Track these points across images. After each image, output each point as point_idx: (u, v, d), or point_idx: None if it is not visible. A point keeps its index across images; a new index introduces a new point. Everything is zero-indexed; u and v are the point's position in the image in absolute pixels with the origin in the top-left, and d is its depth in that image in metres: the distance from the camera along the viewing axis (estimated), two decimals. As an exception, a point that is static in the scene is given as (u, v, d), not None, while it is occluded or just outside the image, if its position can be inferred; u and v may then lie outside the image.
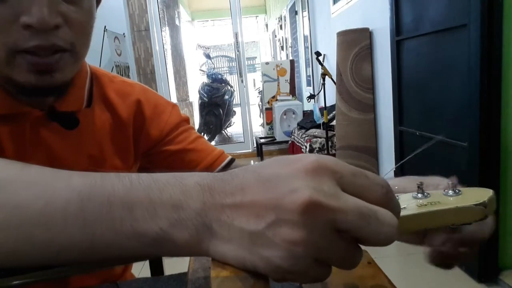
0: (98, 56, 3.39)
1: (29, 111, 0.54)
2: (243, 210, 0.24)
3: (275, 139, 4.64)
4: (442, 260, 0.39)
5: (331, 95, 3.40)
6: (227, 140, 6.03)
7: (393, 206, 0.26)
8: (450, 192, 0.34)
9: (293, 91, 4.98)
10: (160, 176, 0.27)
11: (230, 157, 0.71)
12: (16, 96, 0.53)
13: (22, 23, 0.44)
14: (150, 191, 0.26)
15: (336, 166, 0.24)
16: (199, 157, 0.68)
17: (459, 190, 0.34)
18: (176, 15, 6.37)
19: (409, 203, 0.33)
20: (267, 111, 4.99)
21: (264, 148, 4.68)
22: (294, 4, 5.58)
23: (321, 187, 0.23)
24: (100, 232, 0.26)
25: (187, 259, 0.41)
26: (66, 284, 0.59)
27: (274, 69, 4.96)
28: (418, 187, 0.35)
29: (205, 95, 5.62)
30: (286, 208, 0.23)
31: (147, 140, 0.67)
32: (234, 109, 6.18)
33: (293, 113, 4.56)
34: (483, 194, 0.32)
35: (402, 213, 0.31)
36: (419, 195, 0.34)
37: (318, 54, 3.39)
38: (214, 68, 6.64)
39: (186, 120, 0.71)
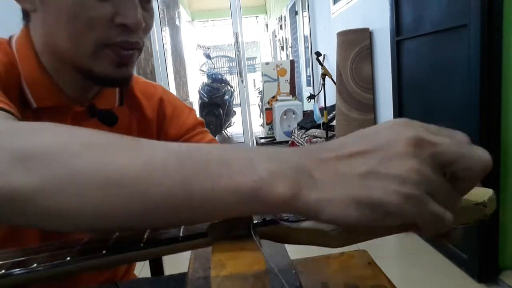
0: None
1: (72, 105, 0.57)
2: (347, 159, 0.26)
3: (275, 139, 4.64)
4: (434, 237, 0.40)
5: (331, 95, 3.40)
6: (227, 140, 6.03)
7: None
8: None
9: (293, 91, 4.98)
10: (254, 147, 0.29)
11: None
12: (68, 88, 0.56)
13: (118, 22, 0.50)
14: (246, 150, 0.27)
15: (422, 123, 0.27)
16: None
17: None
18: (176, 15, 6.38)
19: None
20: (267, 111, 4.99)
21: (264, 148, 4.67)
22: (294, 4, 5.58)
23: (419, 129, 0.26)
24: (198, 186, 0.26)
25: (187, 258, 0.41)
26: (66, 284, 0.59)
27: (274, 69, 4.97)
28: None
29: (205, 95, 5.63)
30: (394, 145, 0.25)
31: (166, 139, 0.69)
32: (234, 109, 6.18)
33: (293, 113, 4.57)
34: (483, 194, 0.32)
35: None
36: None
37: (318, 54, 3.39)
38: (214, 68, 6.64)
39: (202, 124, 0.73)
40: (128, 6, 0.50)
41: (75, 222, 0.27)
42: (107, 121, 0.60)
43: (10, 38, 0.56)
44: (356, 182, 0.25)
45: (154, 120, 0.68)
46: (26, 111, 0.53)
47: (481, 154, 0.26)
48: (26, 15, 0.54)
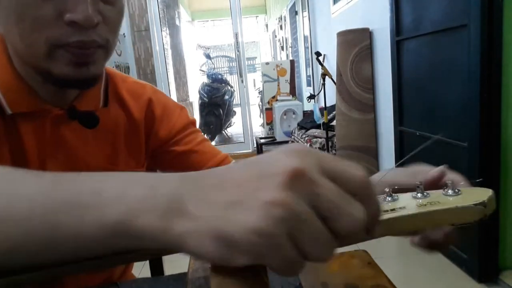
0: (98, 56, 3.39)
1: (50, 109, 0.55)
2: (223, 186, 0.24)
3: (275, 139, 4.64)
4: (428, 245, 0.40)
5: (331, 95, 3.40)
6: (227, 140, 6.03)
7: (370, 197, 0.25)
8: (450, 192, 0.34)
9: (293, 91, 4.98)
10: (138, 172, 0.27)
11: (234, 161, 0.72)
12: (44, 92, 0.54)
13: (66, 19, 0.47)
14: (124, 177, 0.26)
15: (321, 153, 0.25)
16: (204, 159, 0.69)
17: (459, 190, 0.34)
18: (176, 15, 6.37)
19: (408, 203, 0.33)
20: (267, 111, 4.99)
21: (264, 148, 4.68)
22: (294, 4, 5.58)
23: (308, 163, 0.23)
24: (64, 220, 0.25)
25: (187, 259, 0.41)
26: (65, 284, 0.59)
27: (274, 69, 4.96)
28: (418, 187, 0.35)
29: (205, 95, 5.62)
30: (270, 174, 0.23)
31: (156, 140, 0.68)
32: (234, 109, 6.18)
33: (293, 113, 4.56)
34: (482, 194, 0.32)
35: (401, 213, 0.31)
36: (419, 195, 0.34)
37: (318, 54, 3.39)
38: (214, 68, 6.64)
39: (193, 123, 0.73)
40: (75, 1, 0.46)
41: None
42: (87, 123, 0.58)
43: None
44: (218, 213, 0.23)
45: (142, 120, 0.66)
46: (4, 117, 0.52)
47: (355, 215, 0.23)
48: None
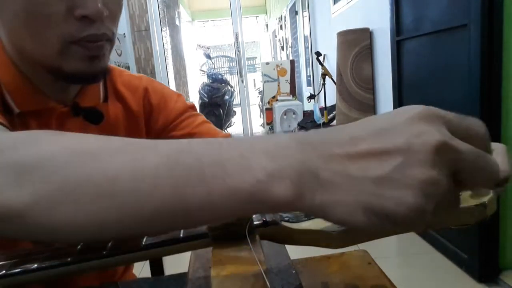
0: (98, 56, 3.39)
1: (55, 106, 0.56)
2: (360, 160, 0.23)
3: (275, 139, 4.64)
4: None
5: (331, 95, 3.40)
6: (227, 140, 6.03)
7: (490, 151, 0.26)
8: (450, 192, 0.34)
9: (293, 91, 4.98)
10: (249, 137, 0.27)
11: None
12: (48, 89, 0.55)
13: (78, 14, 0.47)
14: (241, 148, 0.25)
15: (440, 111, 0.26)
16: None
17: None
18: (176, 15, 6.37)
19: None
20: (267, 111, 4.99)
21: (264, 148, 4.67)
22: (294, 4, 5.58)
23: (442, 130, 0.24)
24: (191, 192, 0.24)
25: (187, 258, 0.41)
26: (66, 284, 0.59)
27: (274, 69, 4.97)
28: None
29: (206, 95, 5.63)
30: (416, 150, 0.23)
31: (155, 128, 0.68)
32: (235, 109, 6.18)
33: (294, 113, 4.57)
34: (483, 195, 0.32)
35: None
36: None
37: (318, 54, 3.39)
38: (214, 68, 6.64)
39: (192, 107, 0.72)
40: None
41: (69, 235, 0.26)
42: (92, 119, 0.59)
43: None
44: (367, 188, 0.23)
45: (140, 112, 0.66)
46: (11, 117, 0.52)
47: (495, 168, 0.25)
48: None
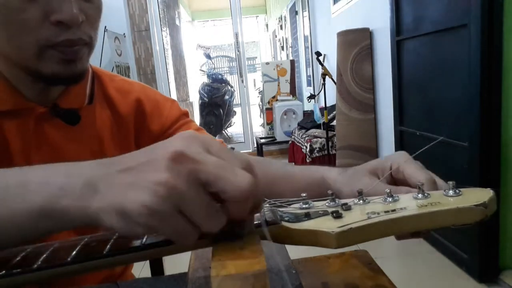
0: (98, 56, 3.39)
1: (33, 107, 0.56)
2: (125, 171, 0.28)
3: (276, 139, 4.64)
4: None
5: (331, 95, 3.40)
6: (228, 140, 6.04)
7: (252, 173, 0.28)
8: (451, 192, 0.34)
9: (294, 91, 4.98)
10: (63, 163, 0.31)
11: (229, 146, 0.72)
12: (27, 90, 0.55)
13: (53, 20, 0.48)
14: (48, 169, 0.30)
15: (208, 139, 0.29)
16: None
17: (460, 191, 0.34)
18: (177, 15, 6.37)
19: (409, 204, 0.33)
20: (268, 111, 4.99)
21: (265, 148, 4.68)
22: (294, 4, 5.58)
23: (190, 146, 0.27)
24: None
25: (187, 258, 0.41)
26: (65, 284, 0.59)
27: (274, 69, 4.96)
28: (419, 188, 0.35)
29: (206, 95, 5.63)
30: (156, 157, 0.27)
31: (149, 136, 0.68)
32: (235, 109, 6.18)
33: (294, 113, 4.56)
34: (483, 195, 0.32)
35: (402, 213, 0.31)
36: (420, 196, 0.34)
37: (318, 54, 3.39)
38: (214, 68, 6.64)
39: (186, 114, 0.73)
40: (60, 1, 0.48)
41: None
42: (69, 120, 0.59)
43: None
44: (119, 193, 0.27)
45: (131, 117, 0.67)
46: None
47: (239, 180, 0.26)
48: None
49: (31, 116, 0.56)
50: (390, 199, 0.34)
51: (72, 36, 0.50)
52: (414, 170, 0.41)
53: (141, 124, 0.68)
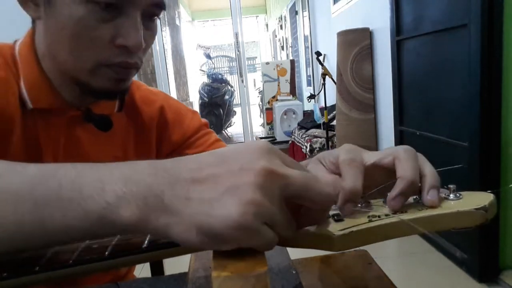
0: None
1: (68, 109, 0.58)
2: (201, 183, 0.26)
3: (276, 139, 4.64)
4: None
5: (331, 95, 3.40)
6: (228, 140, 6.03)
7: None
8: (451, 196, 0.34)
9: (294, 91, 4.98)
10: (114, 163, 0.29)
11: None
12: (66, 93, 0.57)
13: (118, 43, 0.50)
14: (100, 172, 0.28)
15: (278, 150, 0.28)
16: None
17: (460, 194, 0.34)
18: (177, 15, 6.37)
19: (410, 207, 0.33)
20: (268, 111, 4.99)
21: (265, 148, 4.67)
22: (294, 4, 5.58)
23: (273, 160, 0.27)
24: (49, 213, 0.27)
25: (188, 259, 0.41)
26: (66, 285, 0.59)
27: (274, 69, 4.96)
28: (420, 191, 0.35)
29: (206, 95, 5.63)
30: (244, 174, 0.26)
31: (169, 144, 0.70)
32: (235, 109, 6.18)
33: (294, 113, 4.56)
34: (484, 198, 0.32)
35: (403, 217, 0.32)
36: (421, 199, 0.34)
37: (318, 54, 3.39)
38: (214, 68, 6.64)
39: (206, 125, 0.74)
40: (129, 27, 0.50)
41: None
42: (102, 126, 0.61)
43: (15, 42, 0.57)
44: (201, 209, 0.25)
45: (153, 127, 0.68)
46: (24, 111, 0.54)
47: (325, 189, 0.28)
48: (32, 19, 0.55)
49: (64, 117, 0.57)
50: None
51: (130, 59, 0.52)
52: (406, 169, 0.35)
53: (163, 133, 0.69)
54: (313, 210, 0.29)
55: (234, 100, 6.13)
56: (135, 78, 0.62)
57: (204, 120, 0.74)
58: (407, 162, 0.34)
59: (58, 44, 0.52)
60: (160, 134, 0.69)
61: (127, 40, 0.50)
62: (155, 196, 0.26)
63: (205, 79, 6.05)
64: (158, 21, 0.58)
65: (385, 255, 1.92)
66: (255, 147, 0.27)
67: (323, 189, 0.28)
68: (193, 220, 0.25)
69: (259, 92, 6.43)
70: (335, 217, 0.33)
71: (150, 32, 0.55)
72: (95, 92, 0.54)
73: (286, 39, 6.84)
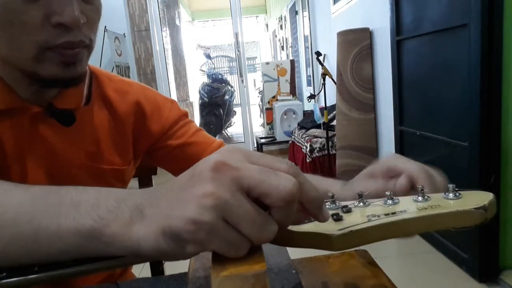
0: (98, 56, 3.39)
1: (28, 106, 0.56)
2: (169, 191, 0.28)
3: (276, 139, 4.64)
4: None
5: (331, 95, 3.40)
6: (228, 140, 6.03)
7: (299, 178, 0.27)
8: (451, 195, 0.34)
9: (294, 91, 4.98)
10: (113, 188, 0.31)
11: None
12: (23, 90, 0.55)
13: (54, 22, 0.47)
14: (98, 192, 0.30)
15: (248, 150, 0.28)
16: (200, 150, 0.70)
17: (460, 194, 0.34)
18: (177, 15, 6.37)
19: (409, 207, 0.33)
20: (268, 111, 4.99)
21: (265, 148, 4.68)
22: (294, 4, 5.58)
23: (230, 156, 0.27)
24: (45, 225, 0.29)
25: (187, 259, 0.41)
26: (66, 284, 0.59)
27: (274, 69, 4.96)
28: (419, 190, 0.35)
29: (206, 95, 5.62)
30: (199, 172, 0.27)
31: (149, 137, 0.68)
32: (235, 109, 6.18)
33: (294, 113, 4.56)
34: (483, 198, 0.32)
35: (402, 216, 0.31)
36: (420, 199, 0.34)
37: (318, 54, 3.39)
38: (214, 68, 6.64)
39: (185, 114, 0.73)
40: (62, 3, 0.47)
41: None
42: (64, 121, 0.59)
43: None
44: (165, 213, 0.27)
45: (129, 118, 0.66)
46: None
47: (282, 183, 0.26)
48: None
49: (25, 115, 0.55)
50: (391, 202, 0.34)
51: (73, 38, 0.49)
52: (405, 162, 0.44)
53: (141, 126, 0.67)
54: (276, 210, 0.27)
55: (234, 100, 6.13)
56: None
57: (184, 109, 0.73)
58: (408, 161, 0.41)
59: None
60: (137, 128, 0.67)
61: (62, 17, 0.47)
62: (138, 210, 0.28)
63: (205, 79, 6.04)
64: None
65: (385, 255, 1.92)
66: (220, 150, 0.29)
67: (279, 184, 0.26)
68: (157, 223, 0.27)
69: (259, 92, 6.43)
70: (334, 217, 0.33)
71: (91, 5, 0.51)
72: (46, 81, 0.52)
73: (286, 39, 6.84)
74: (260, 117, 6.54)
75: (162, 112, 0.69)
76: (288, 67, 4.97)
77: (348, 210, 0.34)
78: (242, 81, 4.60)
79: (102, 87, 0.65)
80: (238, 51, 4.47)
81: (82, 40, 0.50)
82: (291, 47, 6.44)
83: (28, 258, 0.30)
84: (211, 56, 6.60)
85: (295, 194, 0.26)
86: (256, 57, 12.61)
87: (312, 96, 3.93)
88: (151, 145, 0.69)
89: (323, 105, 3.25)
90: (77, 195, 0.30)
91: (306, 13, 4.89)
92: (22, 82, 0.54)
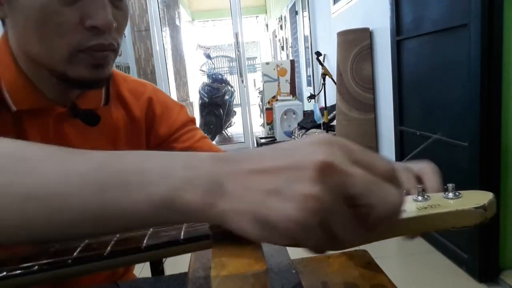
0: (98, 56, 3.38)
1: (53, 106, 0.57)
2: (261, 174, 0.26)
3: (276, 139, 4.64)
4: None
5: (331, 95, 3.40)
6: (228, 140, 6.03)
7: (397, 184, 0.27)
8: (450, 195, 0.34)
9: (294, 91, 4.98)
10: (174, 152, 0.29)
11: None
12: (48, 90, 0.56)
13: (88, 25, 0.49)
14: (163, 159, 0.28)
15: (347, 142, 0.27)
16: None
17: (459, 193, 0.34)
18: (177, 15, 6.37)
19: (409, 206, 0.33)
20: (268, 111, 4.99)
21: (265, 148, 4.67)
22: (294, 4, 5.58)
23: (336, 154, 0.25)
24: (112, 197, 0.26)
25: (187, 258, 0.41)
26: (66, 283, 0.59)
27: (274, 69, 4.97)
28: (418, 190, 0.35)
29: (206, 95, 5.62)
30: (304, 167, 0.25)
31: (156, 138, 0.69)
32: (235, 109, 6.18)
33: (294, 113, 4.57)
34: (483, 197, 0.32)
35: (403, 216, 0.32)
36: (419, 198, 0.34)
37: (318, 54, 3.39)
38: (214, 68, 6.63)
39: (193, 121, 0.74)
40: (96, 7, 0.49)
41: None
42: (89, 121, 0.60)
43: None
44: (259, 199, 0.25)
45: (143, 118, 0.68)
46: (7, 114, 0.54)
47: (391, 197, 0.25)
48: (2, 21, 0.54)
49: (51, 115, 0.57)
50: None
51: (104, 41, 0.51)
52: (415, 164, 0.42)
53: (151, 125, 0.69)
54: (376, 219, 0.26)
55: (234, 100, 6.13)
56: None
57: (191, 115, 0.74)
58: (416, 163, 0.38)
59: (27, 38, 0.51)
60: (148, 127, 0.69)
61: (96, 20, 0.49)
62: (217, 182, 0.26)
63: (205, 79, 6.04)
64: (127, 1, 0.56)
65: (385, 255, 1.92)
66: (316, 140, 0.26)
67: (385, 199, 0.25)
68: (251, 210, 0.25)
69: (259, 92, 6.43)
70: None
71: (121, 11, 0.54)
72: (74, 82, 0.53)
73: (286, 39, 6.84)
74: (260, 117, 6.54)
75: (171, 115, 0.70)
76: (288, 67, 4.97)
77: None
78: (242, 81, 4.60)
79: (118, 87, 0.66)
80: (238, 51, 4.47)
81: (112, 43, 0.52)
82: (291, 47, 6.44)
83: (97, 230, 0.28)
84: (211, 56, 6.60)
85: (400, 210, 0.26)
86: (256, 57, 12.62)
87: (312, 96, 3.93)
88: (156, 146, 0.70)
89: (323, 105, 3.25)
90: (141, 163, 0.28)
91: (306, 13, 4.89)
92: (49, 82, 0.55)
